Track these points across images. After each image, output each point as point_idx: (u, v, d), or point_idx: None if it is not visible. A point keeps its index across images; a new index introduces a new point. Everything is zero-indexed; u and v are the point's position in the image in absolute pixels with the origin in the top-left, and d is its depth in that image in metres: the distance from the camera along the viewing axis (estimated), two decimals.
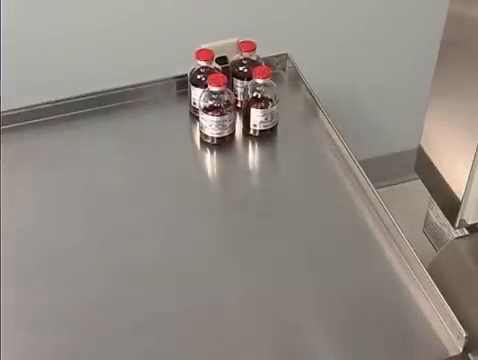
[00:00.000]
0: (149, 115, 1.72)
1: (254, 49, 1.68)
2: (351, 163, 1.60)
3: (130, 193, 1.57)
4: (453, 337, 1.33)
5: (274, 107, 1.64)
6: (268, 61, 1.75)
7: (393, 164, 2.36)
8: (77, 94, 1.70)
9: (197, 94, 1.66)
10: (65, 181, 1.59)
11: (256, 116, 1.64)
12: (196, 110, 1.68)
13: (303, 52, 1.83)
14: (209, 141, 1.65)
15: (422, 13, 2.12)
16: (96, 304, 1.38)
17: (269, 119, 1.64)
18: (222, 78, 1.62)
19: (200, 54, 1.66)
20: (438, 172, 1.53)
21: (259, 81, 1.63)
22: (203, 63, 1.66)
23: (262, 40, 1.69)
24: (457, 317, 1.32)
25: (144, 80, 1.74)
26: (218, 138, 1.64)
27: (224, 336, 1.35)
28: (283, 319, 1.37)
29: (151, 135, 1.68)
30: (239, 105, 1.70)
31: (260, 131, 1.66)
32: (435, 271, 1.43)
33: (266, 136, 1.67)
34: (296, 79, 1.80)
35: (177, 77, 1.76)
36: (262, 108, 1.63)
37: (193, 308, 1.38)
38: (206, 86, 1.62)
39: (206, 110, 1.62)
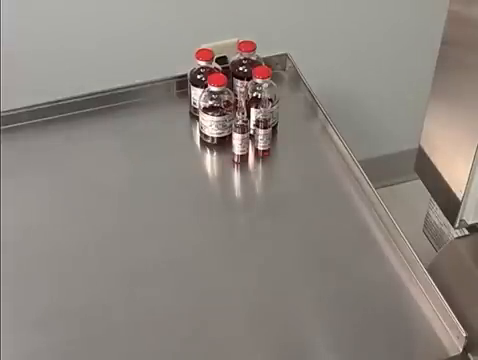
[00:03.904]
0: (149, 115, 1.72)
1: (254, 49, 1.68)
2: (351, 163, 1.60)
3: (130, 193, 1.57)
4: (453, 337, 1.33)
5: (274, 107, 1.64)
6: (268, 61, 1.75)
7: (393, 164, 2.36)
8: (77, 94, 1.70)
9: (197, 94, 1.66)
10: (65, 181, 1.59)
11: (256, 116, 1.64)
12: (196, 110, 1.68)
13: (303, 52, 1.82)
14: (209, 141, 1.65)
15: (422, 13, 2.12)
16: (96, 304, 1.38)
17: (269, 119, 1.64)
18: (222, 78, 1.62)
19: (200, 54, 1.66)
20: (438, 172, 1.53)
21: (259, 81, 1.63)
22: (203, 63, 1.66)
23: (262, 40, 1.69)
24: (457, 317, 1.32)
25: (144, 80, 1.74)
26: (218, 138, 1.64)
27: (224, 336, 1.35)
28: (283, 319, 1.37)
29: (151, 135, 1.68)
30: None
31: None
32: (435, 271, 1.43)
33: None
34: (296, 79, 1.80)
35: (177, 77, 1.76)
36: (262, 108, 1.63)
37: (193, 308, 1.38)
38: (206, 86, 1.62)
39: (206, 110, 1.62)
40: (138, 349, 1.32)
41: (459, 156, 1.46)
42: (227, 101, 1.62)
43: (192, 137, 1.70)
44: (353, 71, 2.20)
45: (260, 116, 1.61)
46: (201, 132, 1.66)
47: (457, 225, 1.51)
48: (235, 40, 1.71)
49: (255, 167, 1.65)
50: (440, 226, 1.65)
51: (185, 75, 1.71)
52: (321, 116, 1.71)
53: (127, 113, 1.72)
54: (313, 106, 1.73)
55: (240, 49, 1.69)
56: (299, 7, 2.03)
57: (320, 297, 1.41)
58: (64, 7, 1.84)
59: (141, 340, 1.32)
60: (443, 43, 1.44)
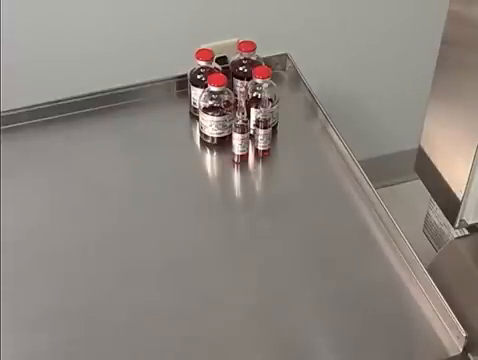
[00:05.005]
0: (149, 115, 1.72)
1: (254, 49, 1.68)
2: (351, 163, 1.60)
3: (130, 193, 1.57)
4: (453, 337, 1.33)
5: (274, 107, 1.64)
6: (268, 61, 1.75)
7: (393, 164, 2.36)
8: (77, 94, 1.70)
9: (197, 94, 1.66)
10: (65, 181, 1.59)
11: (256, 116, 1.64)
12: (196, 110, 1.68)
13: (303, 52, 1.83)
14: (209, 141, 1.65)
15: (422, 13, 2.12)
16: (96, 304, 1.38)
17: (269, 119, 1.64)
18: (222, 78, 1.62)
19: (200, 54, 1.66)
20: (438, 172, 1.53)
21: (259, 81, 1.63)
22: (203, 63, 1.66)
23: (262, 40, 1.69)
24: (457, 317, 1.32)
25: (144, 80, 1.74)
26: (218, 138, 1.64)
27: (224, 336, 1.35)
28: (283, 319, 1.37)
29: (151, 135, 1.68)
30: None
31: None
32: (435, 271, 1.43)
33: None
34: (296, 79, 1.80)
35: (177, 77, 1.76)
36: (262, 108, 1.62)
37: (193, 308, 1.38)
38: (206, 86, 1.62)
39: (206, 110, 1.62)
40: (138, 349, 1.32)
41: (459, 156, 1.46)
42: (227, 101, 1.62)
43: (192, 137, 1.70)
44: (353, 71, 2.20)
45: (260, 116, 1.61)
46: (201, 132, 1.66)
47: (457, 225, 1.51)
48: (235, 40, 1.71)
49: (255, 167, 1.65)
50: (440, 226, 1.65)
51: (185, 75, 1.71)
52: (321, 116, 1.71)
53: (127, 113, 1.72)
54: (313, 106, 1.73)
55: (240, 49, 1.69)
56: (299, 7, 2.03)
57: (320, 297, 1.41)
58: (64, 7, 1.84)
59: (141, 340, 1.32)
60: (443, 43, 1.44)
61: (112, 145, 1.66)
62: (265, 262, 1.45)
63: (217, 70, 1.67)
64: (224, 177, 1.66)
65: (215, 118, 1.61)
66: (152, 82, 1.75)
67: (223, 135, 1.64)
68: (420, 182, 1.60)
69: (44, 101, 1.68)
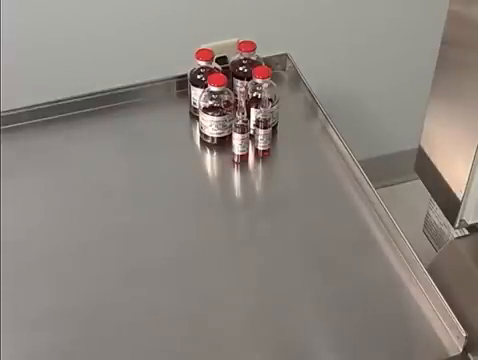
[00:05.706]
0: (149, 115, 1.72)
1: (254, 49, 1.68)
2: (351, 163, 1.60)
3: (130, 193, 1.57)
4: (453, 337, 1.33)
5: (274, 107, 1.64)
6: (268, 61, 1.75)
7: (393, 164, 2.36)
8: (77, 94, 1.70)
9: (197, 94, 1.66)
10: (65, 181, 1.59)
11: (256, 116, 1.64)
12: (196, 110, 1.68)
13: (303, 52, 1.83)
14: (209, 141, 1.65)
15: (422, 13, 2.12)
16: (96, 304, 1.38)
17: (269, 119, 1.64)
18: (222, 78, 1.62)
19: (200, 54, 1.66)
20: (438, 172, 1.53)
21: (259, 81, 1.63)
22: (203, 63, 1.66)
23: (262, 40, 1.69)
24: (457, 317, 1.32)
25: (144, 80, 1.74)
26: (218, 138, 1.64)
27: (224, 336, 1.35)
28: (283, 319, 1.37)
29: (151, 135, 1.68)
30: None
31: None
32: (435, 271, 1.43)
33: None
34: (296, 79, 1.80)
35: (177, 77, 1.76)
36: (262, 108, 1.63)
37: (193, 308, 1.38)
38: (206, 86, 1.62)
39: (206, 110, 1.62)
40: (138, 349, 1.32)
41: (459, 156, 1.46)
42: (227, 101, 1.62)
43: (192, 137, 1.70)
44: (353, 71, 2.20)
45: (260, 116, 1.61)
46: (201, 132, 1.66)
47: (457, 225, 1.51)
48: (235, 40, 1.71)
49: (255, 167, 1.65)
50: (440, 226, 1.65)
51: (185, 75, 1.71)
52: (321, 116, 1.71)
53: (127, 113, 1.72)
54: (313, 106, 1.73)
55: (240, 49, 1.69)
56: (299, 7, 2.03)
57: (320, 297, 1.41)
58: (65, 7, 1.84)
59: (141, 340, 1.32)
60: (443, 43, 1.44)
61: (112, 145, 1.66)
62: (265, 262, 1.45)
63: (217, 70, 1.67)
64: (224, 177, 1.66)
65: (215, 118, 1.61)
66: (152, 82, 1.75)
67: (223, 135, 1.64)
68: (420, 182, 1.60)
69: (44, 101, 1.68)
